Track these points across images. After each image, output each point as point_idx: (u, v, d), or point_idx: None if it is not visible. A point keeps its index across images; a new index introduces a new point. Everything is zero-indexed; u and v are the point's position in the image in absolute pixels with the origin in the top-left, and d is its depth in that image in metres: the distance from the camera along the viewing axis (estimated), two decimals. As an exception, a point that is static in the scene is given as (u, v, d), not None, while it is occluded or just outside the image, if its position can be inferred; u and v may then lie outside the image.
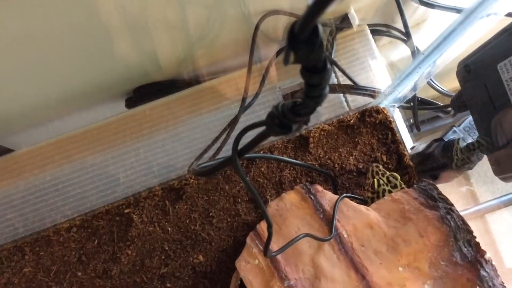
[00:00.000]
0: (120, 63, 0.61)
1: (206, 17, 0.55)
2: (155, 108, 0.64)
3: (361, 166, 0.61)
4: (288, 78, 0.68)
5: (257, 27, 0.57)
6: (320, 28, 0.19)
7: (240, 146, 0.32)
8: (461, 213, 1.45)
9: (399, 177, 0.55)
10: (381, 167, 0.56)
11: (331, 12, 0.65)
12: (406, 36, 0.59)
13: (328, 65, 0.21)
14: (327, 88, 0.22)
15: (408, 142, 0.68)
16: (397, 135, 0.61)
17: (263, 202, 0.60)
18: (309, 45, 0.19)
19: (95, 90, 0.66)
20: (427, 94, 0.81)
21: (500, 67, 0.41)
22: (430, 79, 0.68)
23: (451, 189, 1.45)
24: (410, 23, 0.80)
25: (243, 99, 0.62)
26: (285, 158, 0.58)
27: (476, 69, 0.44)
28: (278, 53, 0.64)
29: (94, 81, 0.64)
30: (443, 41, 0.41)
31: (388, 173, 0.55)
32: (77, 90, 0.64)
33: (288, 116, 0.24)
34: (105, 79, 0.65)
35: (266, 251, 0.36)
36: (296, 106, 0.23)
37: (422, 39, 0.82)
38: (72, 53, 0.55)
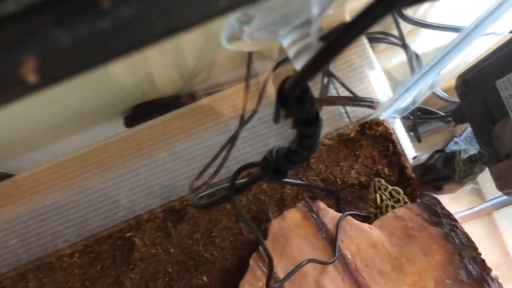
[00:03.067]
0: (116, 84, 0.61)
1: (201, 38, 0.54)
2: (154, 127, 0.63)
3: (363, 180, 0.61)
4: (287, 91, 0.67)
5: (252, 46, 0.57)
6: (308, 85, 0.19)
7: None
8: (467, 212, 1.43)
9: (401, 191, 0.54)
10: (383, 181, 0.55)
11: (327, 23, 0.64)
12: (404, 47, 0.58)
13: (320, 116, 0.21)
14: (321, 137, 0.22)
15: (411, 151, 0.68)
16: (398, 147, 0.61)
17: (265, 219, 0.59)
18: (300, 104, 0.18)
19: (93, 111, 0.66)
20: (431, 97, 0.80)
21: (499, 84, 0.40)
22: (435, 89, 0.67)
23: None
24: (409, 27, 0.80)
25: (242, 116, 0.61)
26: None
27: (474, 84, 0.44)
28: (274, 69, 0.64)
29: (92, 103, 0.64)
30: (440, 59, 0.41)
31: (390, 187, 0.55)
32: (75, 113, 0.64)
33: (282, 163, 0.23)
34: (102, 100, 0.64)
35: (268, 286, 0.36)
36: (290, 154, 0.23)
37: (423, 42, 0.81)
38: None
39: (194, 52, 0.58)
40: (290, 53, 0.17)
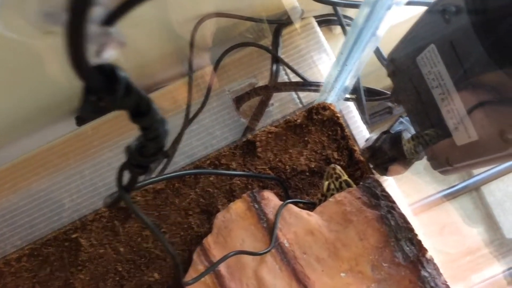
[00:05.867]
0: (58, 84, 0.60)
1: (132, 34, 0.53)
2: (98, 127, 0.62)
3: (313, 166, 0.60)
4: (235, 81, 0.66)
5: (193, 36, 0.56)
6: (119, 72, 0.17)
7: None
8: (451, 190, 1.40)
9: (353, 185, 0.52)
10: (338, 169, 0.52)
11: (269, 10, 0.63)
12: (342, 28, 0.57)
13: (153, 105, 0.20)
14: (164, 127, 0.21)
15: (365, 133, 0.67)
16: (346, 130, 0.60)
17: (215, 212, 0.58)
18: (111, 91, 0.17)
19: (41, 113, 0.65)
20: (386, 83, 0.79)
21: (419, 61, 0.39)
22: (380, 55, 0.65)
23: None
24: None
25: (187, 111, 0.60)
26: (211, 170, 0.57)
27: (400, 63, 0.43)
28: (219, 60, 0.63)
29: (38, 104, 0.63)
30: (357, 37, 0.39)
31: (344, 177, 0.52)
32: (21, 116, 0.63)
33: (138, 158, 0.22)
34: (48, 100, 0.63)
35: (180, 281, 0.35)
36: (140, 148, 0.22)
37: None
38: (9, 81, 0.54)
39: (134, 50, 0.57)
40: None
